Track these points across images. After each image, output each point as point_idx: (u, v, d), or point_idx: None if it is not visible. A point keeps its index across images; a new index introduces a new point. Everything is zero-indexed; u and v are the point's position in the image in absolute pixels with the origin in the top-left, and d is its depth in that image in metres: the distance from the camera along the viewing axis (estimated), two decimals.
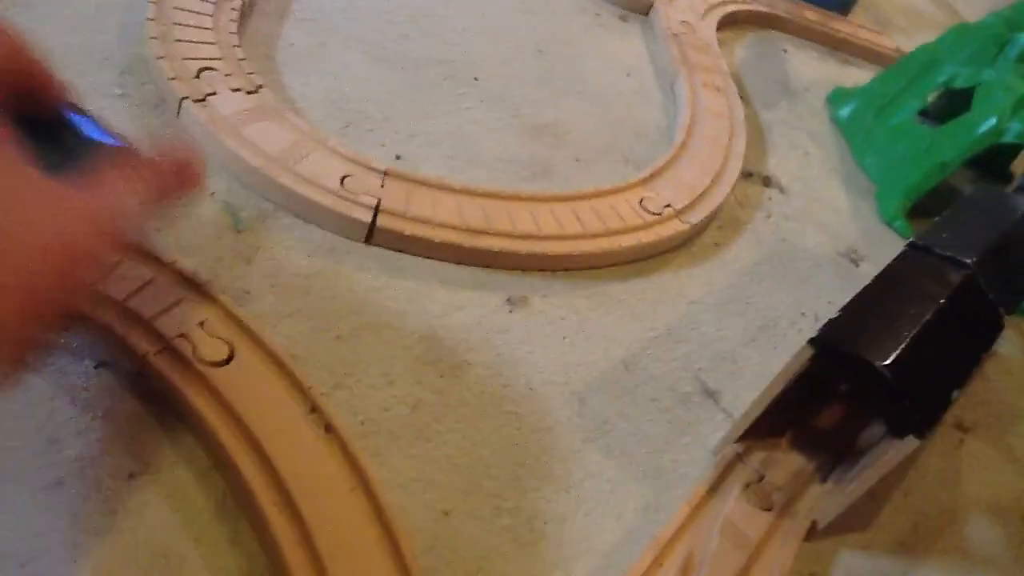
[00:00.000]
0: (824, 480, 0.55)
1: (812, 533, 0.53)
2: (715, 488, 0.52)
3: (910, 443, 0.48)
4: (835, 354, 0.49)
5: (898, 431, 0.48)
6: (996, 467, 0.66)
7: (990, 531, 0.61)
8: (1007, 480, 0.65)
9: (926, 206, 0.88)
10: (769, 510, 0.52)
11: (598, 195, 0.68)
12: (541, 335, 0.59)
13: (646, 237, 0.66)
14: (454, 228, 0.59)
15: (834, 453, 0.56)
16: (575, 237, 0.64)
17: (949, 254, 0.57)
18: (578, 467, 0.52)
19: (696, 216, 0.71)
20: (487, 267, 0.61)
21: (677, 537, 0.48)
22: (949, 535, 0.59)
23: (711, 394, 0.60)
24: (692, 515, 0.50)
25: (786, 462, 0.55)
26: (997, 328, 0.56)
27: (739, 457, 0.54)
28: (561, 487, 0.50)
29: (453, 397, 0.52)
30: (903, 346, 0.48)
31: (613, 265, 0.66)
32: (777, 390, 0.51)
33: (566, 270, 0.64)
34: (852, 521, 0.56)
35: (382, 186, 0.59)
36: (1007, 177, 0.99)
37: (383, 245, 0.59)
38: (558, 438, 0.53)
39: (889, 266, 0.57)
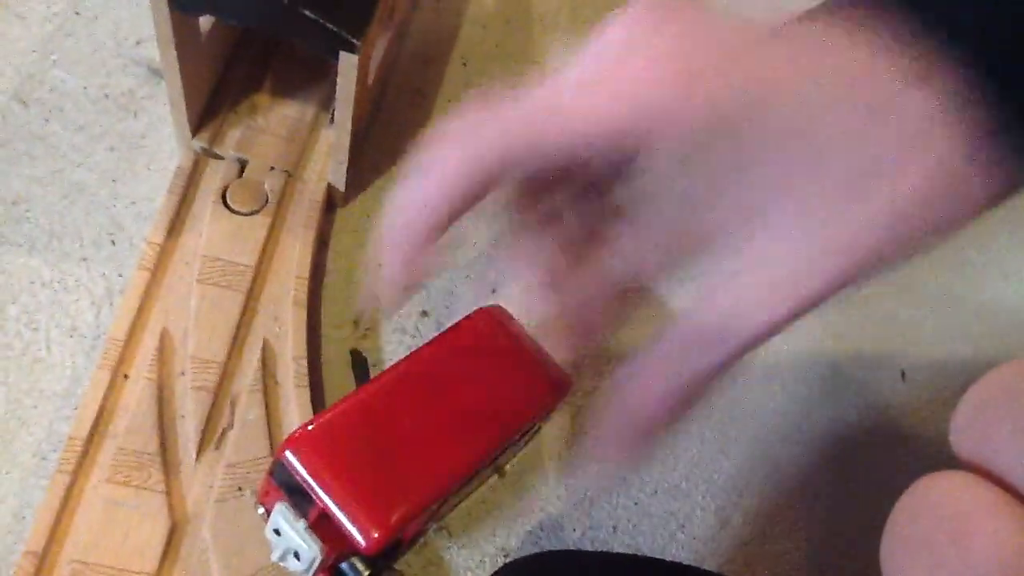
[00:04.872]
0: (333, 121, 0.41)
1: (339, 198, 0.41)
2: (178, 222, 0.38)
3: (349, 59, 0.33)
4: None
5: (329, 53, 0.33)
6: None
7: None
8: None
9: None
10: (262, 208, 0.38)
11: None
12: None
13: None
14: None
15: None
16: None
17: None
18: None
19: None
20: None
21: (139, 321, 0.35)
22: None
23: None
24: (153, 279, 0.36)
25: (273, 124, 0.41)
26: None
27: (207, 154, 0.39)
28: None
29: None
30: None
31: None
32: (173, 63, 0.35)
33: None
34: (394, 148, 0.44)
35: None
36: None
37: None
38: None
39: None
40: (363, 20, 0.32)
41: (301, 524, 0.27)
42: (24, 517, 0.32)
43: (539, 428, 0.36)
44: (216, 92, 0.40)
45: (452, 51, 0.47)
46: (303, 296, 0.37)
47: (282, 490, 0.28)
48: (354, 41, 0.32)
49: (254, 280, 0.37)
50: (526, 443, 0.36)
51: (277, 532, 0.28)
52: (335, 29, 0.32)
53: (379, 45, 0.41)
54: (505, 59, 0.48)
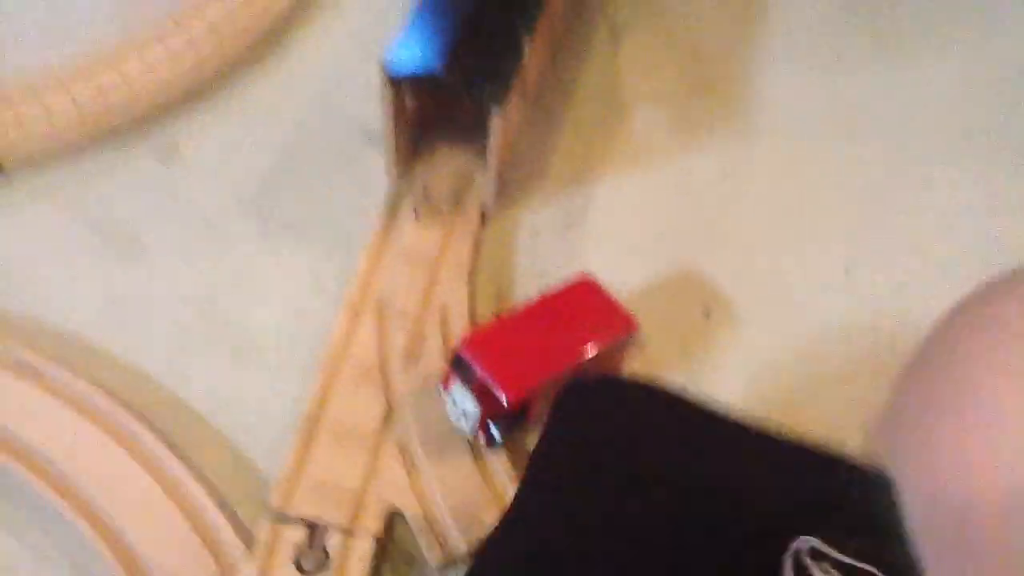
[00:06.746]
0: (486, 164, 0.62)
1: (488, 215, 0.61)
2: (389, 224, 0.59)
3: (497, 112, 0.53)
4: (404, 76, 0.53)
5: (483, 109, 0.53)
6: (655, 59, 0.71)
7: (654, 117, 0.68)
8: (666, 65, 0.71)
9: None
10: (440, 220, 0.59)
11: None
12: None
13: None
14: None
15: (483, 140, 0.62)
16: None
17: None
18: (268, 264, 0.58)
19: None
20: None
21: (366, 287, 0.56)
22: (619, 139, 0.67)
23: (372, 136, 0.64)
24: (374, 261, 0.57)
25: (447, 161, 0.61)
26: None
27: (404, 181, 0.60)
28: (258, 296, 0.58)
29: None
30: (451, 44, 0.52)
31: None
32: (391, 128, 0.56)
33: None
34: (525, 183, 0.64)
35: None
36: None
37: None
38: None
39: None
40: (503, 85, 0.52)
41: (469, 393, 0.47)
42: (302, 399, 0.53)
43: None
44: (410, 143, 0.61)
45: (566, 120, 0.67)
46: (466, 278, 0.57)
47: (457, 374, 0.48)
48: (501, 102, 0.52)
49: (437, 265, 0.57)
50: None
51: (454, 402, 0.48)
52: (487, 95, 0.52)
53: (517, 109, 0.61)
54: (603, 137, 0.67)
